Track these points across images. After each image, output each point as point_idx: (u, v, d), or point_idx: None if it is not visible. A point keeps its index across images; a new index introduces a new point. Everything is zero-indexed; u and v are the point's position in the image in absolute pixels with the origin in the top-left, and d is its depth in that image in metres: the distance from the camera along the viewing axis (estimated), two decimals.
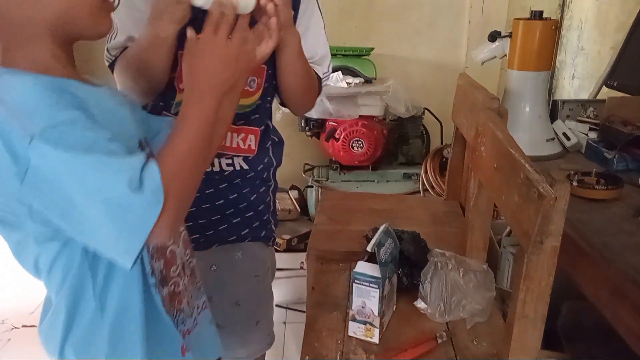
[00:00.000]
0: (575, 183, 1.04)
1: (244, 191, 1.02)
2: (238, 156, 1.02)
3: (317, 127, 2.14)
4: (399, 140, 2.26)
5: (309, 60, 1.00)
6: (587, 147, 1.27)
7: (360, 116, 2.05)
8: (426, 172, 2.20)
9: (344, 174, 2.22)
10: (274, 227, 1.14)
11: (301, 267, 1.85)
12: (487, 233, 1.19)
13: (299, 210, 2.13)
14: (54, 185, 0.53)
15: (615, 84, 1.45)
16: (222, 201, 1.00)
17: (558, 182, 0.73)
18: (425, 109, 2.25)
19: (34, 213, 0.57)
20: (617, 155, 1.15)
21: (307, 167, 2.33)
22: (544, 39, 1.23)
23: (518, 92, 1.29)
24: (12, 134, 0.52)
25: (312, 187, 2.18)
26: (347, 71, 2.05)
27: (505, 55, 1.34)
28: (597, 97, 1.47)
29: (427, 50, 2.36)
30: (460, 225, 1.47)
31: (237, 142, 1.01)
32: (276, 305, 1.22)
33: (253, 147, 1.03)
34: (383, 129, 2.15)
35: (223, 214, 1.02)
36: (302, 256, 1.85)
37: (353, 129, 2.06)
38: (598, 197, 1.00)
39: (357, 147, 2.09)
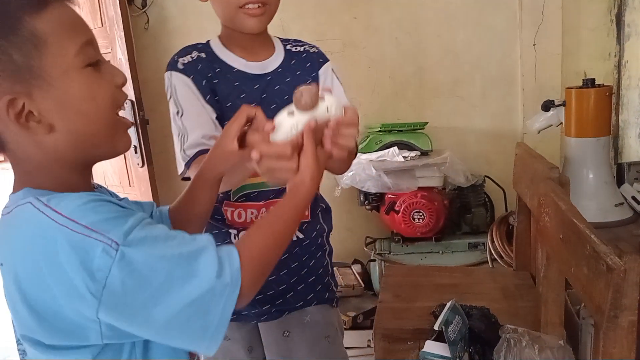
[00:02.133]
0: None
1: (303, 259, 1.07)
2: None
3: (376, 201, 2.18)
4: (461, 210, 2.24)
5: None
6: None
7: (419, 188, 2.07)
8: (493, 241, 2.14)
9: (407, 246, 2.21)
10: (335, 289, 1.19)
11: (368, 345, 1.82)
12: (561, 306, 1.14)
13: (363, 285, 2.12)
14: (139, 289, 0.54)
15: None
16: (285, 271, 1.05)
17: (626, 253, 0.72)
18: (486, 176, 2.24)
19: (106, 328, 0.56)
20: None
21: (368, 240, 2.34)
22: (599, 105, 1.24)
23: (579, 159, 1.28)
24: (89, 250, 0.53)
25: (374, 260, 2.18)
26: (403, 145, 2.11)
27: (561, 123, 1.34)
28: None
29: (482, 120, 2.39)
30: (533, 298, 1.40)
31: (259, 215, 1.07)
32: None
33: (307, 213, 1.09)
34: (444, 199, 2.14)
35: (288, 282, 1.08)
36: (368, 334, 1.82)
37: (413, 200, 2.07)
38: None
39: (418, 219, 2.09)
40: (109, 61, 0.66)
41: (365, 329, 1.87)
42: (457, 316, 1.01)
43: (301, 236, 1.08)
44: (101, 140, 0.63)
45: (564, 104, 1.28)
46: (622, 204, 1.25)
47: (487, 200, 2.29)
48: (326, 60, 1.09)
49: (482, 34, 2.31)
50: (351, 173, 1.98)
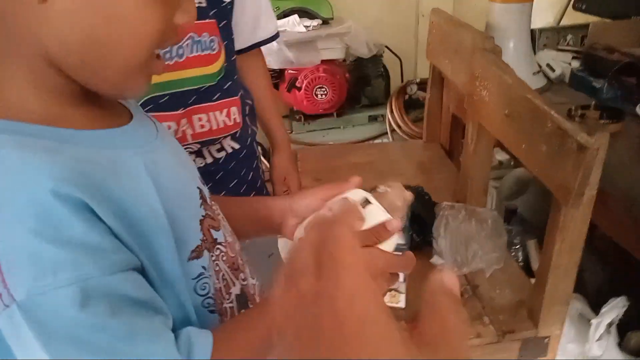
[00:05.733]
0: (577, 119, 1.02)
1: (241, 174, 0.92)
2: (226, 136, 0.91)
3: (275, 78, 2.00)
4: (360, 82, 2.17)
5: (252, 27, 0.93)
6: (572, 77, 1.26)
7: (322, 61, 1.93)
8: (392, 112, 2.15)
9: (308, 123, 2.13)
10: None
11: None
12: (487, 179, 1.17)
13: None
14: None
15: (583, 6, 1.43)
16: (223, 193, 0.90)
17: (597, 132, 0.70)
18: (385, 46, 2.16)
19: None
20: (606, 84, 1.14)
21: None
22: None
23: (503, 27, 1.23)
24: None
25: None
26: (303, 13, 1.90)
27: None
28: (571, 23, 1.45)
29: None
30: (448, 169, 1.45)
31: (223, 121, 0.88)
32: None
33: (239, 120, 0.91)
34: (345, 72, 2.04)
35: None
36: None
37: (315, 75, 1.94)
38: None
39: (321, 95, 1.99)
40: None
41: None
42: None
43: (237, 146, 0.92)
44: (112, 75, 0.41)
45: None
46: (538, 72, 1.26)
47: (384, 70, 2.24)
48: None
49: None
50: None
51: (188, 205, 0.47)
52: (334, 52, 1.92)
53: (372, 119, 2.19)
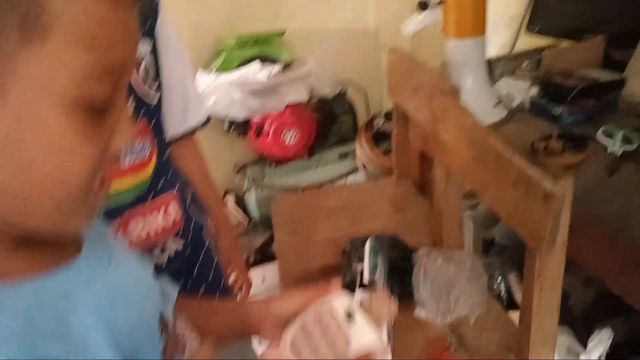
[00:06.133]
0: (541, 153, 1.02)
1: (193, 273, 0.86)
2: (167, 238, 0.82)
3: (242, 125, 1.98)
4: (327, 121, 2.17)
5: (182, 116, 0.89)
6: (532, 105, 1.27)
7: (287, 105, 1.92)
8: (362, 147, 2.15)
9: (280, 167, 2.11)
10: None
11: (263, 282, 1.75)
12: (461, 217, 1.16)
13: (248, 219, 2.00)
14: None
15: (537, 28, 1.45)
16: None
17: (562, 177, 0.69)
18: (349, 80, 2.17)
19: None
20: (565, 110, 1.15)
21: (238, 166, 2.17)
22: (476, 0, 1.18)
23: (459, 62, 1.24)
24: None
25: (251, 188, 2.04)
26: (264, 58, 1.90)
27: (438, 23, 1.28)
28: (526, 48, 1.47)
29: (336, 21, 2.25)
30: (421, 205, 1.43)
31: (159, 223, 0.79)
32: None
33: (180, 217, 0.82)
34: (311, 113, 2.04)
35: None
36: (263, 270, 1.74)
37: (282, 120, 1.93)
38: (570, 162, 0.99)
39: (290, 138, 1.97)
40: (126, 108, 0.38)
41: (261, 264, 1.78)
42: (379, 256, 0.95)
43: (180, 246, 0.83)
44: (42, 215, 0.35)
45: (441, 1, 1.20)
46: (499, 103, 1.27)
47: (350, 106, 2.25)
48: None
49: None
50: (212, 100, 1.73)
51: (146, 340, 0.43)
52: (298, 95, 1.91)
53: (343, 155, 2.19)
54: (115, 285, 0.42)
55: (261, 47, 1.92)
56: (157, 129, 0.79)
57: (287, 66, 1.94)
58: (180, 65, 0.86)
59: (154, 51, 0.77)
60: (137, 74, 0.73)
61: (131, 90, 0.72)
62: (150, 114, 0.76)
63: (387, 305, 0.54)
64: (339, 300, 0.50)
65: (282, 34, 1.98)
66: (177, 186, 0.83)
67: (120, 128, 0.36)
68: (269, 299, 0.56)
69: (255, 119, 1.94)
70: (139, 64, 0.74)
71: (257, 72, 1.82)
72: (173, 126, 0.87)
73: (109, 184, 0.38)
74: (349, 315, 0.48)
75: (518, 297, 1.23)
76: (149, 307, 0.46)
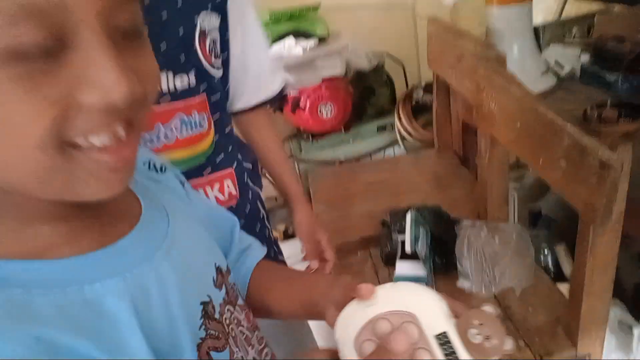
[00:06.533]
0: (595, 123, 0.98)
1: None
2: None
3: (278, 100, 1.98)
4: (364, 94, 2.13)
5: (256, 87, 0.87)
6: (583, 72, 1.21)
7: (323, 79, 1.90)
8: (400, 120, 2.11)
9: (317, 141, 2.10)
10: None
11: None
12: (506, 188, 1.13)
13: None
14: None
15: None
16: None
17: (620, 146, 0.66)
18: (386, 53, 2.13)
19: None
20: (620, 77, 1.09)
21: None
22: None
23: (504, 30, 1.19)
24: None
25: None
26: (298, 34, 1.88)
27: None
28: (575, 14, 1.39)
29: None
30: (464, 179, 1.40)
31: (215, 197, 0.81)
32: None
33: (235, 193, 0.84)
34: (347, 87, 2.01)
35: None
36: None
37: (318, 94, 1.91)
38: (627, 131, 0.94)
39: (326, 113, 1.96)
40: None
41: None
42: (420, 228, 0.94)
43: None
44: (25, 186, 0.32)
45: None
46: (547, 71, 1.21)
47: (388, 78, 2.20)
48: None
49: None
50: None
51: (182, 332, 0.39)
52: (334, 69, 1.89)
53: (381, 129, 2.16)
54: (161, 271, 0.39)
55: (295, 22, 1.90)
56: (219, 105, 0.79)
57: (322, 40, 1.91)
58: (256, 36, 0.85)
59: (223, 26, 0.77)
60: (201, 47, 0.73)
61: (193, 63, 0.72)
62: (211, 88, 0.77)
63: (501, 334, 0.38)
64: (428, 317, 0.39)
65: (316, 8, 1.94)
66: (235, 164, 0.84)
67: (90, 77, 0.30)
68: (336, 277, 0.54)
69: (292, 94, 1.94)
70: (205, 38, 0.73)
71: (292, 47, 1.80)
72: (245, 97, 0.88)
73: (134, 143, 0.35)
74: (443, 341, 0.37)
75: (567, 269, 1.20)
76: (192, 297, 0.42)
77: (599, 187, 0.67)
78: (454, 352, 0.37)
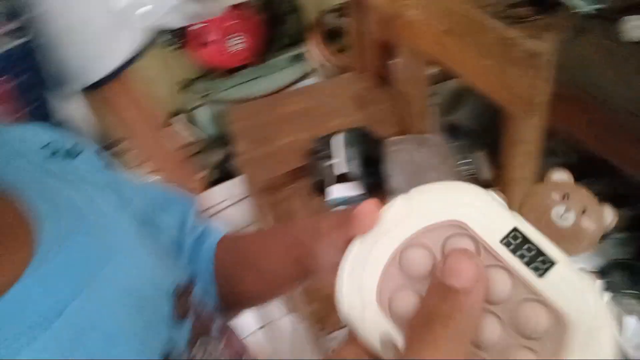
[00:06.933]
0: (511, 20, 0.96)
1: None
2: None
3: (182, 37, 1.81)
4: (273, 22, 2.01)
5: None
6: None
7: (230, 7, 1.75)
8: (314, 47, 2.03)
9: (229, 79, 1.97)
10: None
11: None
12: (426, 101, 1.11)
13: (200, 138, 1.89)
14: None
15: None
16: None
17: (544, 34, 0.64)
18: None
19: None
20: None
21: (184, 83, 2.02)
22: None
23: None
24: None
25: (202, 105, 1.92)
26: None
27: None
28: None
29: None
30: (386, 98, 1.37)
31: None
32: None
33: None
34: (256, 14, 1.88)
35: None
36: (225, 187, 1.67)
37: (226, 25, 1.77)
38: (543, 26, 0.93)
39: (237, 44, 1.82)
40: None
41: (224, 180, 1.71)
42: (352, 148, 0.91)
43: None
44: None
45: None
46: None
47: (295, 3, 2.08)
48: None
49: None
50: (144, 9, 1.54)
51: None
52: None
53: (295, 58, 2.07)
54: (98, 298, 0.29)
55: None
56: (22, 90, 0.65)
57: None
58: None
59: None
60: None
61: None
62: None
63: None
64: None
65: None
66: None
67: None
68: (317, 217, 0.40)
69: (196, 28, 1.77)
70: None
71: None
72: (91, 69, 0.72)
73: None
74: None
75: (486, 175, 1.23)
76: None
77: (526, 77, 0.66)
78: (540, 253, 0.23)
